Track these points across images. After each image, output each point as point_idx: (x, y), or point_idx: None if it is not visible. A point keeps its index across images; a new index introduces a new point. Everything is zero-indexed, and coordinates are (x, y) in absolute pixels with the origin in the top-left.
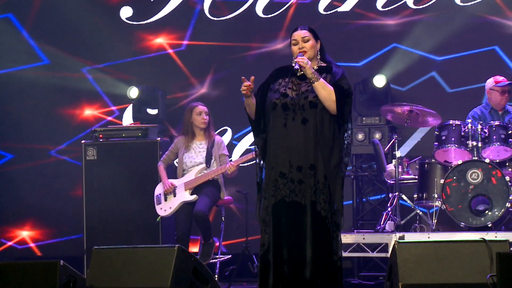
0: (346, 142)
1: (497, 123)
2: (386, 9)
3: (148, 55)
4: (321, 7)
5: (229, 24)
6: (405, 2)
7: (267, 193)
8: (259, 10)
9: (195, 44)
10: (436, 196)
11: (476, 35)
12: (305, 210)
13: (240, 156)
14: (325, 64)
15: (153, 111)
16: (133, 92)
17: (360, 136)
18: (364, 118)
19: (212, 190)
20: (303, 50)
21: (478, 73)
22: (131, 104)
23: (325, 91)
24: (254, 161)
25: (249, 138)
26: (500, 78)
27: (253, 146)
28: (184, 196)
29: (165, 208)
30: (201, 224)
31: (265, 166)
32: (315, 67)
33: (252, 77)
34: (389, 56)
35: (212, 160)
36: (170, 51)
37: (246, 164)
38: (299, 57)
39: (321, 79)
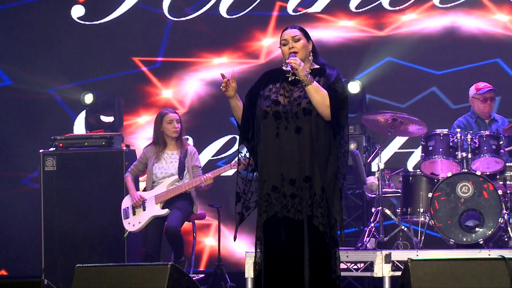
0: (343, 150)
1: (487, 133)
2: (360, 10)
3: (121, 73)
4: (290, 8)
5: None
6: (380, 2)
7: (259, 209)
8: (222, 10)
9: (169, 60)
10: (422, 211)
11: (476, 48)
12: (300, 226)
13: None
14: (318, 66)
15: (108, 118)
16: (88, 98)
17: None
18: None
19: (185, 203)
20: (294, 50)
21: None
22: (84, 111)
23: (318, 95)
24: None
25: (211, 149)
26: (481, 84)
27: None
28: (155, 210)
29: (134, 223)
30: (172, 240)
31: (257, 179)
32: (308, 70)
33: (233, 74)
34: (384, 71)
35: (185, 172)
36: (144, 68)
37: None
38: (291, 57)
39: (315, 82)
